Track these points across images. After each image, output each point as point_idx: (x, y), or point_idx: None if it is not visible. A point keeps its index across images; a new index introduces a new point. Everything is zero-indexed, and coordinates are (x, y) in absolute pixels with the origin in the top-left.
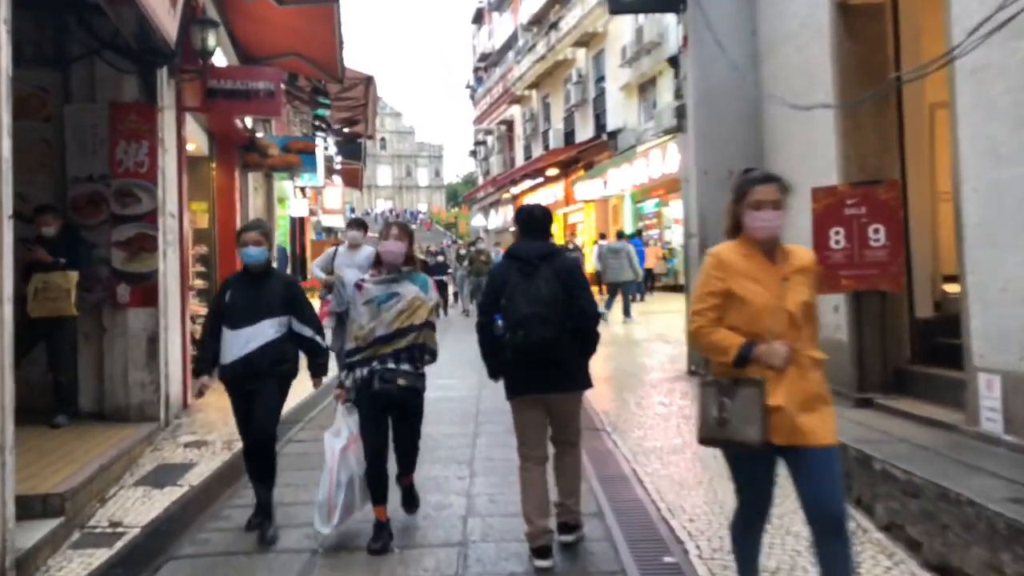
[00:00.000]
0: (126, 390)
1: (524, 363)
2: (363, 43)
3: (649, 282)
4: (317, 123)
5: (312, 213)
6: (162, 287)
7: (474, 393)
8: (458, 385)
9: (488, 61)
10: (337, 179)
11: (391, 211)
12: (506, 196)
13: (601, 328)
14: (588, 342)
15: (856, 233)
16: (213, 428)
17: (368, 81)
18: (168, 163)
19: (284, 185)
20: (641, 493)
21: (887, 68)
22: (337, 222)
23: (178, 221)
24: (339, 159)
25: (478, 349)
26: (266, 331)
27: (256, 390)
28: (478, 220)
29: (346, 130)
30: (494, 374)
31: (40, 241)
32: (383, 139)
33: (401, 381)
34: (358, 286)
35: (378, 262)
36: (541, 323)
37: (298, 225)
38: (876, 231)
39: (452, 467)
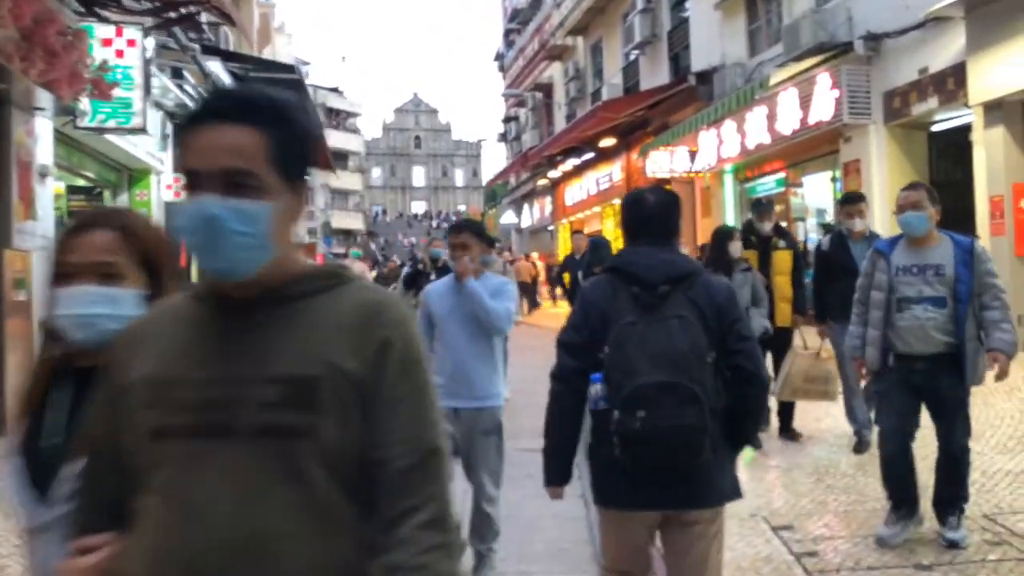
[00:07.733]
0: None
1: (641, 463)
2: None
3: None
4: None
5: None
6: None
7: None
8: None
9: (520, 18)
10: None
11: (426, 213)
12: (542, 183)
13: None
14: (747, 422)
15: None
16: None
17: None
18: None
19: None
20: None
21: None
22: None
23: None
24: None
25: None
26: None
27: None
28: (508, 217)
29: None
30: (558, 475)
31: None
32: (417, 137)
33: None
34: None
35: None
36: (681, 401)
37: None
38: None
39: None
